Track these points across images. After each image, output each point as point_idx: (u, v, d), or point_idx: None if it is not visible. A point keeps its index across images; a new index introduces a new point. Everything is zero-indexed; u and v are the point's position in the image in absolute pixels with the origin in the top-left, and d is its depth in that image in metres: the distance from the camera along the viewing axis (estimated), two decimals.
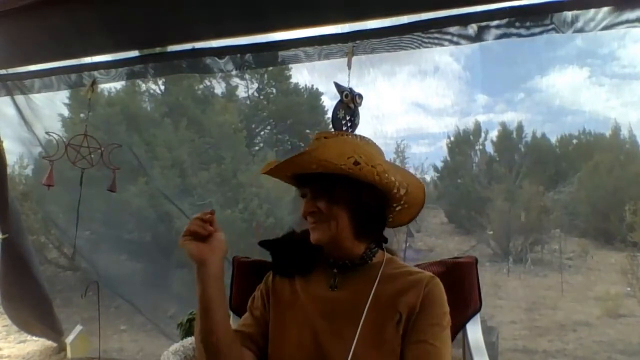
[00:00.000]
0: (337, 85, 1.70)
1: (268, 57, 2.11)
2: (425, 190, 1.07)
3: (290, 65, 2.28)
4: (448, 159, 9.74)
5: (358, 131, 1.69)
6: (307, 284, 1.04)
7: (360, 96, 1.74)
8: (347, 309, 0.97)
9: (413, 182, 1.03)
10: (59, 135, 2.30)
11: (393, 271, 1.01)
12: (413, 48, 1.77)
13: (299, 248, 1.07)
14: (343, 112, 1.69)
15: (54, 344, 3.59)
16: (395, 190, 1.01)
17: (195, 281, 0.91)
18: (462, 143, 9.52)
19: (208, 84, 7.24)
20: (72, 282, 5.68)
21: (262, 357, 1.02)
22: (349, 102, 1.71)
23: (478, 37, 1.67)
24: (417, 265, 1.22)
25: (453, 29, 1.69)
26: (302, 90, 8.03)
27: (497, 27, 1.63)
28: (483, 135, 9.50)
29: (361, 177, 0.95)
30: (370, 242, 1.04)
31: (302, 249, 1.06)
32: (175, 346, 1.68)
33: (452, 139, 9.58)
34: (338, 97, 1.71)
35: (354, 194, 0.97)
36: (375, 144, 1.05)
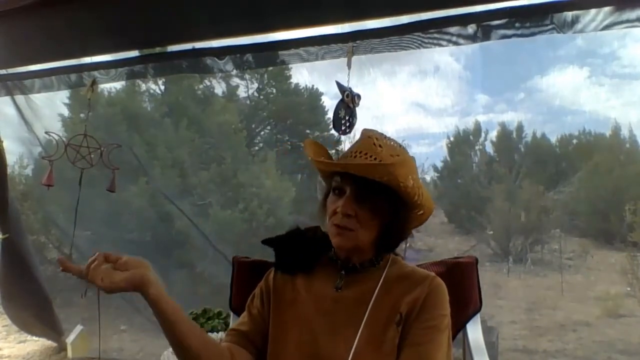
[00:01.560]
0: (339, 85, 1.71)
1: (268, 57, 2.11)
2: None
3: (290, 65, 2.28)
4: (448, 159, 9.75)
5: (357, 131, 1.69)
6: (310, 283, 1.04)
7: (359, 96, 1.75)
8: (349, 309, 0.96)
9: (430, 205, 1.03)
10: (58, 135, 2.29)
11: (397, 272, 1.01)
12: (413, 48, 1.77)
13: (303, 245, 1.07)
14: (344, 111, 1.70)
15: (54, 344, 3.59)
16: (419, 211, 1.02)
17: (149, 305, 0.85)
18: (462, 143, 9.53)
19: (208, 84, 7.24)
20: (72, 282, 5.67)
21: (259, 356, 1.02)
22: (349, 102, 1.71)
23: (478, 37, 1.67)
24: (418, 266, 1.22)
25: (453, 29, 1.68)
26: (302, 90, 8.03)
27: (497, 27, 1.63)
28: (483, 135, 9.52)
29: (405, 195, 0.95)
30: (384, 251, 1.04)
31: (307, 246, 1.06)
32: None
33: (452, 139, 9.59)
34: (338, 97, 1.72)
35: (392, 209, 0.96)
36: (409, 154, 1.04)
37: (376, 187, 0.93)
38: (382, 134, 1.01)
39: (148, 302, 0.84)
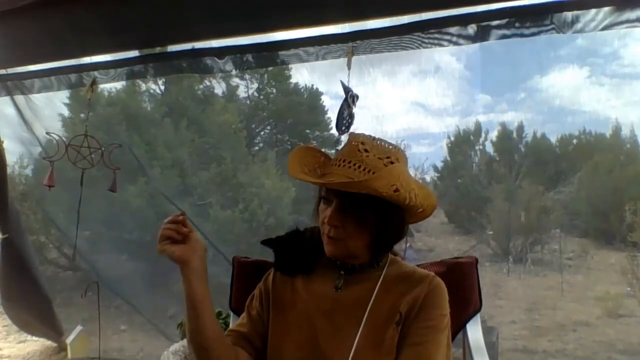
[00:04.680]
0: (344, 85, 1.72)
1: (268, 57, 2.11)
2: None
3: (290, 65, 2.28)
4: (448, 159, 9.73)
5: (358, 131, 1.70)
6: (309, 283, 1.04)
7: (357, 97, 1.76)
8: (349, 309, 0.97)
9: (429, 202, 1.00)
10: (59, 135, 2.29)
11: (396, 272, 1.01)
12: (413, 48, 1.77)
13: (302, 246, 1.07)
14: (346, 111, 1.72)
15: (54, 344, 3.59)
16: (417, 210, 0.99)
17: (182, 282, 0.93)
18: (462, 143, 9.52)
19: (208, 84, 7.24)
20: (72, 282, 5.68)
21: (258, 357, 1.02)
22: (351, 102, 1.73)
23: (478, 37, 1.67)
24: (418, 266, 1.22)
25: (453, 29, 1.68)
26: (302, 90, 8.02)
27: (497, 27, 1.63)
28: (483, 135, 9.50)
29: (394, 201, 0.92)
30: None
31: (306, 247, 1.06)
32: (175, 346, 1.69)
33: (452, 138, 9.58)
34: (338, 97, 1.73)
35: (381, 217, 0.94)
36: (404, 155, 1.00)
37: (360, 198, 0.91)
38: (370, 136, 0.98)
39: (182, 278, 0.93)
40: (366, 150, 0.94)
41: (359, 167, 0.93)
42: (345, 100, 1.70)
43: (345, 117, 1.71)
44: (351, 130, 1.73)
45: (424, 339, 0.91)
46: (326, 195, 0.98)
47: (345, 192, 0.92)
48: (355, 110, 1.74)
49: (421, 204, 0.98)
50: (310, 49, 1.91)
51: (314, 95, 8.08)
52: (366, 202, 0.92)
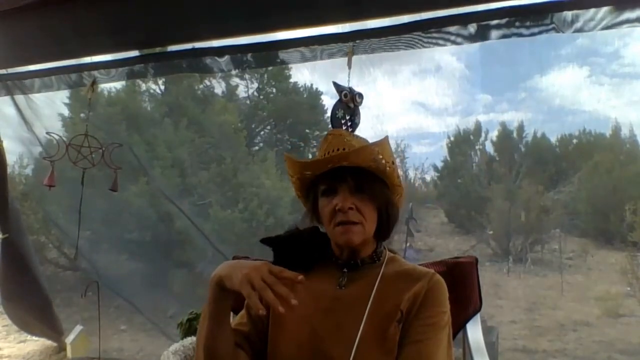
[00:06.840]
0: (336, 85, 1.71)
1: (268, 57, 2.11)
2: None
3: (290, 65, 2.28)
4: (448, 158, 9.73)
5: (358, 131, 1.69)
6: (309, 282, 1.03)
7: (361, 95, 1.75)
8: (350, 307, 0.97)
9: (402, 186, 1.06)
10: (59, 135, 2.29)
11: (396, 269, 1.02)
12: (413, 48, 1.77)
13: (301, 245, 1.07)
14: (342, 111, 1.70)
15: (54, 344, 3.59)
16: (397, 195, 1.05)
17: (210, 299, 0.93)
18: (462, 143, 9.51)
19: (208, 84, 7.25)
20: (72, 282, 5.69)
21: (256, 356, 1.02)
22: (349, 101, 1.71)
23: (478, 37, 1.67)
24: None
25: (453, 29, 1.68)
26: (302, 89, 8.03)
27: (497, 26, 1.63)
28: (483, 135, 9.49)
29: (390, 177, 1.00)
30: (380, 242, 1.06)
31: (305, 246, 1.06)
32: (175, 346, 1.68)
33: (452, 138, 9.58)
34: (338, 97, 1.71)
35: (385, 194, 1.01)
36: None
37: (367, 177, 0.97)
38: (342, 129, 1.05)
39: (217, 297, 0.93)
40: (347, 139, 1.01)
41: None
42: (340, 100, 1.69)
43: (342, 117, 1.68)
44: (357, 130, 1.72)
45: (425, 336, 0.91)
46: (330, 186, 0.99)
47: (353, 171, 0.96)
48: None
49: (400, 187, 1.04)
50: (310, 49, 1.91)
51: (314, 95, 8.08)
52: (375, 181, 0.98)
